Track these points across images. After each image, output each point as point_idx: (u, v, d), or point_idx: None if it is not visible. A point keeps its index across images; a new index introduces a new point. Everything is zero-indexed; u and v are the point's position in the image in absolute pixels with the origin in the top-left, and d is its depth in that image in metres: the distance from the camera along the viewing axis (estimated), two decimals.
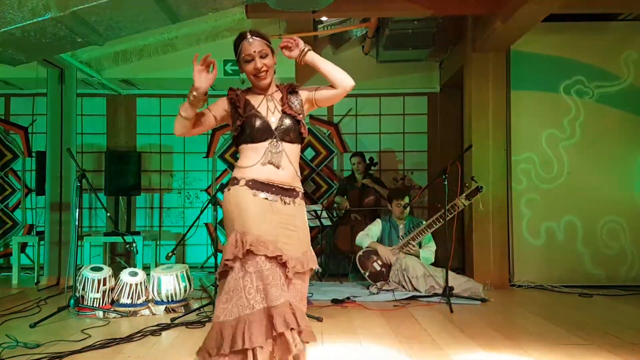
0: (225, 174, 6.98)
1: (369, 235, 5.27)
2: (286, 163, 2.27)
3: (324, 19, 5.75)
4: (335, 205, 6.35)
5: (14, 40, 3.79)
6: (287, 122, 2.29)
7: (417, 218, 5.57)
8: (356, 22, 6.01)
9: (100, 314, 4.03)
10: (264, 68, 2.27)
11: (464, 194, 4.89)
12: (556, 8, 4.20)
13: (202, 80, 2.19)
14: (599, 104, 5.42)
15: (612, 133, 5.41)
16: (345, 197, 6.27)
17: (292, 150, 2.30)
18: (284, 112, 2.31)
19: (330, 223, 5.97)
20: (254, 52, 2.25)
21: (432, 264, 5.07)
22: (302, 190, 2.37)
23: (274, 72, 2.35)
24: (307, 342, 2.14)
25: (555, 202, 5.38)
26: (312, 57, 2.31)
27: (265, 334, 2.04)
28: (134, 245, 4.35)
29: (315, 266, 2.33)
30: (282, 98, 2.34)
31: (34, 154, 6.66)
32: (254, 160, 2.25)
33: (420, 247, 5.15)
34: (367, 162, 6.24)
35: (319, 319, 3.84)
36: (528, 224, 5.40)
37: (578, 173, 5.39)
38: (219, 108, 2.34)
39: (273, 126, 2.27)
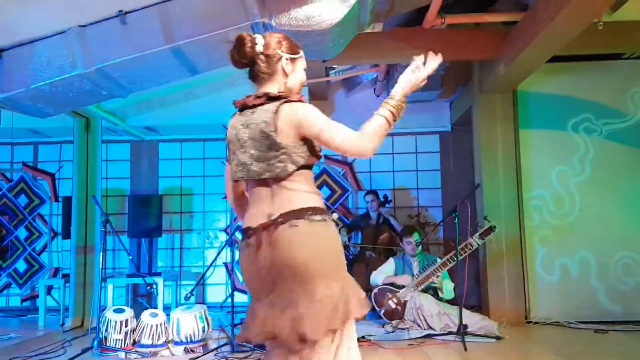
0: None
1: (383, 272, 5.35)
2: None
3: (335, 65, 5.98)
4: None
5: (43, 95, 4.04)
6: None
7: (432, 255, 5.64)
8: (367, 67, 6.23)
9: (122, 354, 4.18)
10: None
11: (477, 233, 4.95)
12: (556, 52, 4.35)
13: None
14: (607, 141, 5.51)
15: (622, 169, 5.46)
16: (348, 233, 6.38)
17: None
18: None
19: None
20: None
21: (448, 302, 5.12)
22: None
23: None
24: None
25: (568, 238, 5.42)
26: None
27: None
28: (154, 286, 4.51)
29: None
30: None
31: (60, 199, 6.94)
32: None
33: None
34: (381, 199, 6.36)
35: None
36: (542, 261, 5.44)
37: (590, 209, 5.43)
38: None
39: None
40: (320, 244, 1.79)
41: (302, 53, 2.03)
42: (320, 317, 1.72)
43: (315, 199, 1.87)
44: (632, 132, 5.50)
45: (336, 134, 1.78)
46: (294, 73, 1.99)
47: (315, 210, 1.82)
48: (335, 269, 1.82)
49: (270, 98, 1.89)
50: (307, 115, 1.82)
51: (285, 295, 1.78)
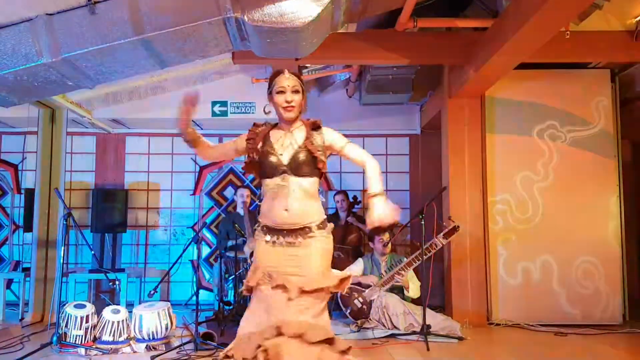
0: (211, 211, 7.10)
1: (351, 272, 5.35)
2: (294, 200, 2.46)
3: (308, 64, 5.98)
4: None
5: (7, 84, 3.93)
6: (302, 156, 2.48)
7: (398, 255, 5.69)
8: (339, 67, 6.25)
9: (82, 351, 4.09)
10: (293, 102, 2.52)
11: (441, 233, 5.03)
12: (524, 59, 4.43)
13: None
14: (571, 148, 5.63)
15: (585, 175, 5.59)
16: None
17: (304, 185, 2.49)
18: (305, 147, 2.50)
19: None
20: (287, 85, 2.52)
21: (413, 301, 5.17)
22: (316, 223, 2.52)
23: (300, 112, 2.60)
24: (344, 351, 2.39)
25: (530, 242, 5.52)
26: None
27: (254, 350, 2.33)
28: (117, 282, 4.44)
29: (324, 285, 2.47)
30: (306, 133, 2.56)
31: (23, 191, 6.77)
32: (267, 202, 2.52)
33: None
34: (351, 200, 6.39)
35: None
36: (505, 264, 5.53)
37: (552, 214, 5.55)
38: (242, 141, 2.62)
39: (285, 161, 2.47)
40: None
41: (274, 82, 2.56)
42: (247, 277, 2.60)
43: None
44: (595, 140, 5.64)
45: None
46: (273, 104, 2.60)
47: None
48: None
49: None
50: None
51: None
